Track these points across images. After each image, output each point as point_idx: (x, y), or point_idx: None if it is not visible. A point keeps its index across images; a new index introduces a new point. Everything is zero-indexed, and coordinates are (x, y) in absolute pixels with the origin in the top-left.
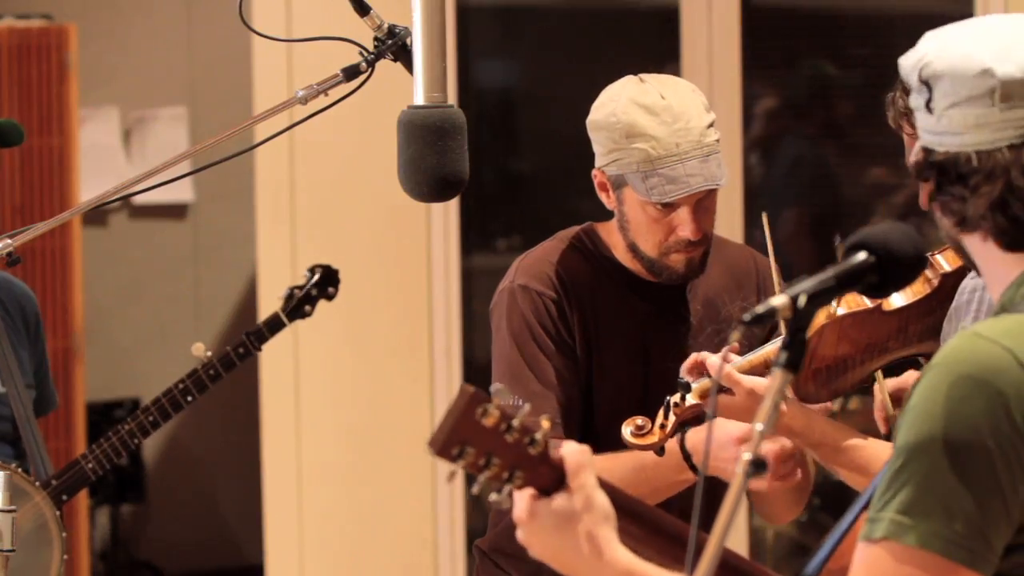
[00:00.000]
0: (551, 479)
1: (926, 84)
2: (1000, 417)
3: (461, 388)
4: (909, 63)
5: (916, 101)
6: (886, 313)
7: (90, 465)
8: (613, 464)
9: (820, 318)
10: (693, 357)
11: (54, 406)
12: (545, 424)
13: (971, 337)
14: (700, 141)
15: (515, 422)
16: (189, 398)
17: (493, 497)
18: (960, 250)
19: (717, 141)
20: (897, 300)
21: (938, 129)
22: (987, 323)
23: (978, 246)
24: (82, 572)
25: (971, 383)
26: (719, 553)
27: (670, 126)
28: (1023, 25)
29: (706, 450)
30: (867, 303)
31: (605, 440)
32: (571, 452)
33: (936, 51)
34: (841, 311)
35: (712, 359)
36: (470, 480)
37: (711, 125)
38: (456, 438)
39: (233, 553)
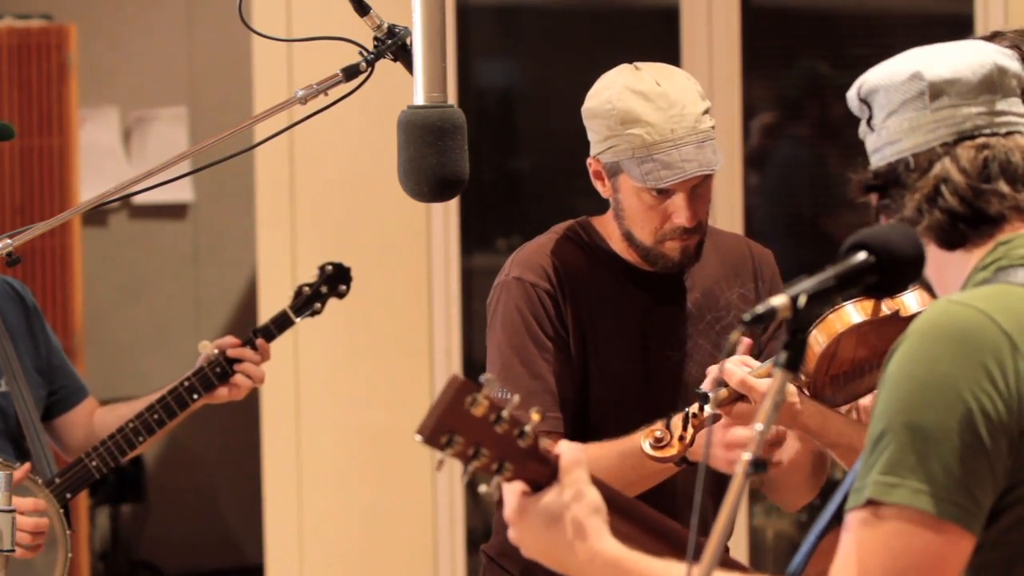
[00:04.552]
0: (541, 473)
1: (865, 102)
2: (978, 373)
3: (451, 377)
4: (851, 90)
5: (862, 128)
6: (903, 319)
7: (94, 463)
8: (600, 452)
9: (838, 325)
10: (715, 371)
11: (86, 393)
12: (535, 417)
13: (944, 304)
14: (695, 127)
15: (504, 413)
16: (195, 396)
17: (482, 488)
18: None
19: (712, 128)
20: (914, 306)
21: (879, 143)
22: (959, 293)
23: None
24: (82, 572)
25: (947, 343)
26: (719, 551)
27: (665, 112)
28: (952, 43)
29: (705, 451)
30: (885, 310)
31: (598, 432)
32: (567, 448)
33: (873, 71)
34: (859, 318)
35: (728, 365)
36: (471, 479)
37: (706, 112)
38: (444, 426)
39: (233, 553)
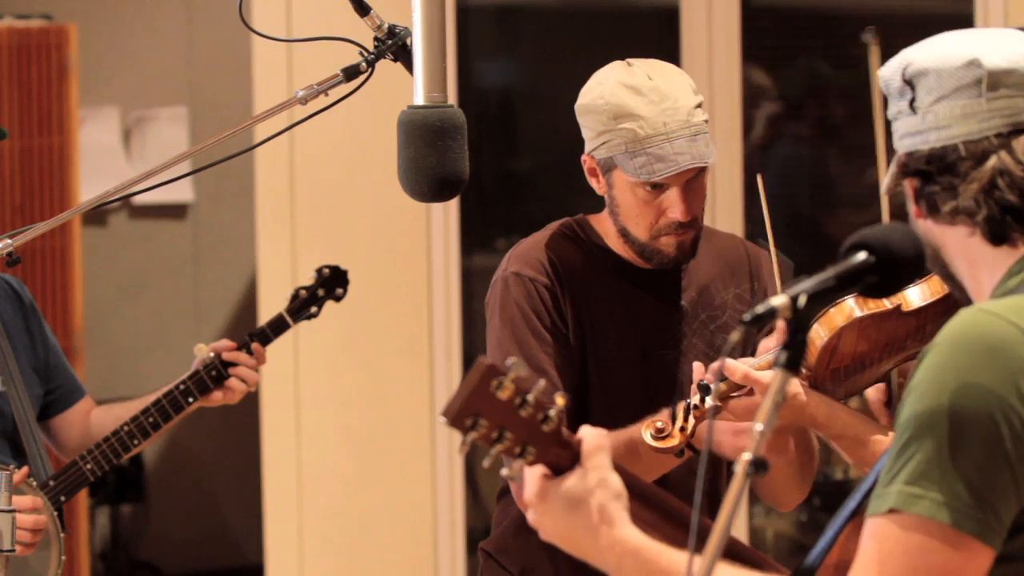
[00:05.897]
0: (564, 457)
1: (909, 84)
2: (1008, 389)
3: (477, 360)
4: (890, 69)
5: (898, 105)
6: (905, 313)
7: (88, 466)
8: None
9: (839, 319)
10: (716, 364)
11: (83, 393)
12: (560, 401)
13: (975, 313)
14: (688, 120)
15: (530, 397)
16: (190, 399)
17: (504, 471)
18: (940, 267)
19: (705, 122)
20: (916, 300)
21: (923, 127)
22: (991, 302)
23: (962, 245)
24: (82, 572)
25: (978, 356)
26: (721, 548)
27: (658, 106)
28: (1004, 31)
29: (708, 440)
30: (886, 304)
31: (594, 426)
32: (590, 433)
33: (919, 52)
34: (860, 312)
35: (729, 361)
36: (471, 479)
37: (699, 106)
38: (470, 409)
39: (233, 553)
